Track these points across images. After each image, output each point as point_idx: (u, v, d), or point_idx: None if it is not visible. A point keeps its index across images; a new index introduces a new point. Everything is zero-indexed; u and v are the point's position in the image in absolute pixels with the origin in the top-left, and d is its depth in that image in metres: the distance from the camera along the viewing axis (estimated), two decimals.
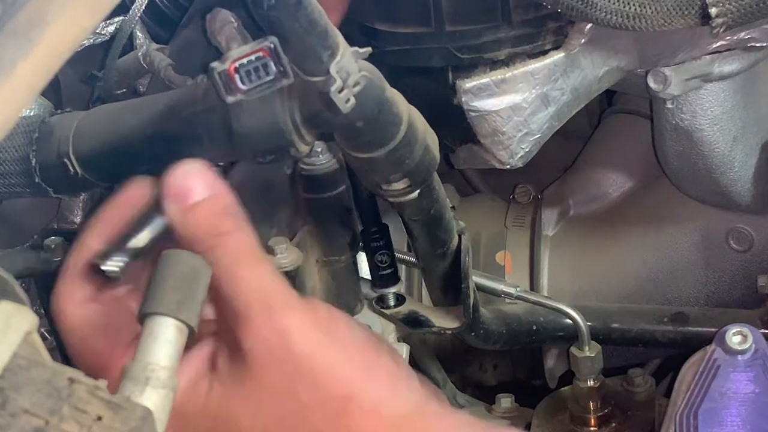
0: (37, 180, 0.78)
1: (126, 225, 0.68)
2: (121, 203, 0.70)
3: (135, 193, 0.70)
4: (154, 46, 0.98)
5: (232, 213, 0.68)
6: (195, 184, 0.68)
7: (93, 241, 0.69)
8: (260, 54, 0.62)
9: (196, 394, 0.65)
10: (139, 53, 0.98)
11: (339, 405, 0.66)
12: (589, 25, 0.90)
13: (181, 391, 0.62)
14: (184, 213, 0.67)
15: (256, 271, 0.65)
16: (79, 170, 0.76)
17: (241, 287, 0.64)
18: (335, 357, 0.66)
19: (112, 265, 0.66)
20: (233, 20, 0.65)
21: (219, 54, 0.65)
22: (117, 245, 0.67)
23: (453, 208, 1.02)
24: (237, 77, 0.63)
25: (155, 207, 0.68)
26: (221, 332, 0.66)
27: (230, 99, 0.63)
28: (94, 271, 0.67)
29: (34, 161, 0.78)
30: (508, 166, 0.99)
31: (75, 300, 0.69)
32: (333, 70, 0.63)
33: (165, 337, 0.60)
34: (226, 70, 0.62)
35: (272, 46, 0.62)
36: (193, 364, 0.65)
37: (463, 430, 0.69)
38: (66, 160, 0.76)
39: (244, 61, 0.62)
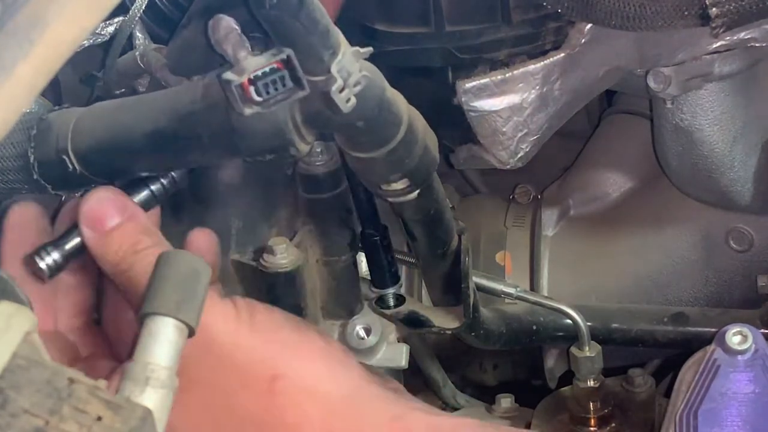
0: (35, 177, 0.78)
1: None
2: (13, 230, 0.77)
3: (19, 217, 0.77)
4: (152, 46, 0.97)
5: (149, 232, 0.71)
6: (109, 210, 0.70)
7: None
8: (275, 66, 0.62)
9: None
10: (137, 53, 0.97)
11: (266, 385, 0.66)
12: (589, 25, 0.90)
13: None
14: (101, 239, 0.70)
15: None
16: (77, 167, 0.76)
17: None
18: (256, 340, 0.67)
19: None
20: (236, 27, 0.65)
21: (219, 57, 0.65)
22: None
23: (453, 208, 1.02)
24: (252, 89, 0.62)
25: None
26: None
27: (248, 111, 0.62)
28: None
29: (32, 158, 0.77)
30: (508, 166, 0.99)
31: None
32: (334, 69, 0.63)
33: (165, 337, 0.60)
34: (241, 83, 0.62)
35: (287, 58, 0.62)
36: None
37: (399, 413, 0.69)
38: (65, 156, 0.76)
39: (259, 73, 0.62)
